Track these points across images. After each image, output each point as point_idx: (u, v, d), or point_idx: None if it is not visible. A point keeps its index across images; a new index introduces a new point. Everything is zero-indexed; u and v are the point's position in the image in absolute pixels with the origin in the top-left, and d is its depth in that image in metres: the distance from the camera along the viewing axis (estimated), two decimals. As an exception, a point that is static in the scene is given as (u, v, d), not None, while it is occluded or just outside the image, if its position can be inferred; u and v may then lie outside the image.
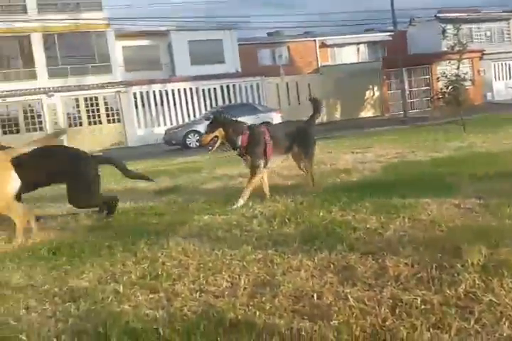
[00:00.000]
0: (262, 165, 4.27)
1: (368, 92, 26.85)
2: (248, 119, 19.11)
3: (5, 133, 22.07)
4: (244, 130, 4.27)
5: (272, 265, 2.46)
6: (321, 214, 3.42)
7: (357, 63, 29.43)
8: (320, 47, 31.27)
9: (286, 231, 3.11)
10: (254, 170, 4.25)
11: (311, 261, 2.47)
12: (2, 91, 22.32)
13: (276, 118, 18.39)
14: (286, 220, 3.34)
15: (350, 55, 31.51)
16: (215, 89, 26.40)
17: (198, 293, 2.15)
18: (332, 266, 2.39)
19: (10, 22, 22.11)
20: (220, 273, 2.40)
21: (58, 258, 2.84)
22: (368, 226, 3.02)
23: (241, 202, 4.08)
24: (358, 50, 31.85)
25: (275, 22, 40.53)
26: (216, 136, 4.22)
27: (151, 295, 2.16)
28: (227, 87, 26.67)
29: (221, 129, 4.23)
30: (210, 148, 4.26)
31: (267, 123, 4.78)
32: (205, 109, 25.25)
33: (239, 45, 28.94)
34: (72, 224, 3.99)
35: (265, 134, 4.31)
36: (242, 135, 4.22)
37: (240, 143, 4.22)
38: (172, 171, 7.29)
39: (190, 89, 25.99)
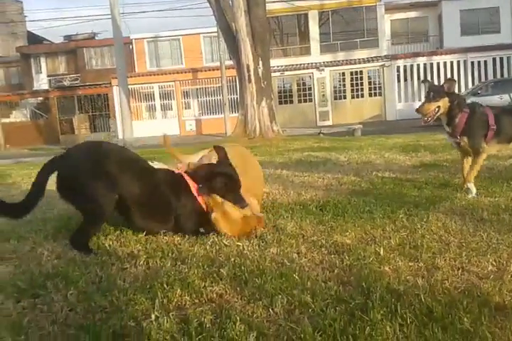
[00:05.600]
0: (484, 146, 3.67)
1: None
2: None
3: (280, 103, 24.59)
4: (465, 107, 3.68)
5: (548, 257, 2.20)
6: None
7: None
8: None
9: None
10: (475, 151, 3.69)
11: None
12: (281, 66, 24.80)
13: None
14: None
15: None
16: (485, 61, 23.86)
17: (459, 271, 2.09)
18: None
19: (291, 1, 24.18)
20: (484, 255, 2.27)
21: (325, 215, 3.12)
22: None
23: (471, 188, 3.65)
24: None
25: None
26: (438, 107, 3.67)
27: (410, 263, 2.19)
28: (501, 59, 23.76)
29: (447, 100, 3.65)
30: (428, 119, 3.71)
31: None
32: (473, 84, 23.15)
33: (520, 12, 25.27)
34: (336, 186, 4.30)
35: (489, 117, 3.64)
36: (462, 113, 3.64)
37: (457, 121, 3.66)
38: (433, 147, 7.04)
39: (458, 61, 24.11)
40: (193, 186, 2.79)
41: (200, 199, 2.77)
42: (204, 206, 2.79)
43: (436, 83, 4.04)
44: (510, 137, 3.80)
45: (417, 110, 3.80)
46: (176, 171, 2.92)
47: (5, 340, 1.61)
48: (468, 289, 1.88)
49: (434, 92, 3.72)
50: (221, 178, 2.77)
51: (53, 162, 2.66)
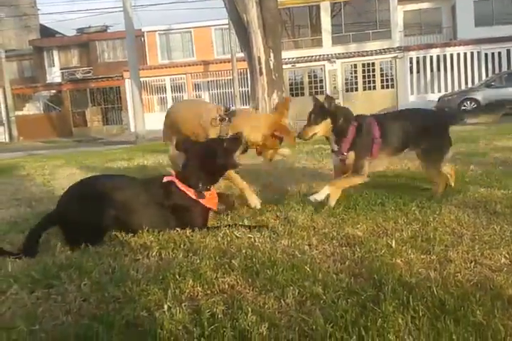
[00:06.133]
0: (367, 167, 3.25)
1: None
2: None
3: (291, 95, 24.48)
4: (353, 120, 3.28)
5: (562, 250, 2.18)
6: None
7: None
8: None
9: None
10: (356, 170, 3.24)
11: None
12: (292, 58, 24.66)
13: None
14: None
15: None
16: (499, 53, 23.49)
17: (472, 264, 2.08)
18: None
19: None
20: (497, 248, 2.25)
21: (336, 207, 3.11)
22: None
23: (322, 194, 3.12)
24: None
25: None
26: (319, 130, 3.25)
27: (422, 256, 2.18)
28: (516, 50, 23.42)
29: (329, 121, 3.23)
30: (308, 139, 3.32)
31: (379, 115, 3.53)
32: (487, 75, 22.82)
33: (539, 1, 24.84)
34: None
35: (374, 130, 3.24)
36: (351, 126, 3.24)
37: (349, 135, 3.24)
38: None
39: (471, 53, 23.76)
40: (182, 185, 2.77)
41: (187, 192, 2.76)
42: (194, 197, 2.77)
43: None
44: (397, 147, 3.38)
45: (298, 136, 3.34)
46: (166, 177, 2.84)
47: (20, 330, 1.63)
48: (481, 282, 1.87)
49: (315, 114, 3.28)
50: (204, 172, 2.81)
51: (49, 217, 2.66)
